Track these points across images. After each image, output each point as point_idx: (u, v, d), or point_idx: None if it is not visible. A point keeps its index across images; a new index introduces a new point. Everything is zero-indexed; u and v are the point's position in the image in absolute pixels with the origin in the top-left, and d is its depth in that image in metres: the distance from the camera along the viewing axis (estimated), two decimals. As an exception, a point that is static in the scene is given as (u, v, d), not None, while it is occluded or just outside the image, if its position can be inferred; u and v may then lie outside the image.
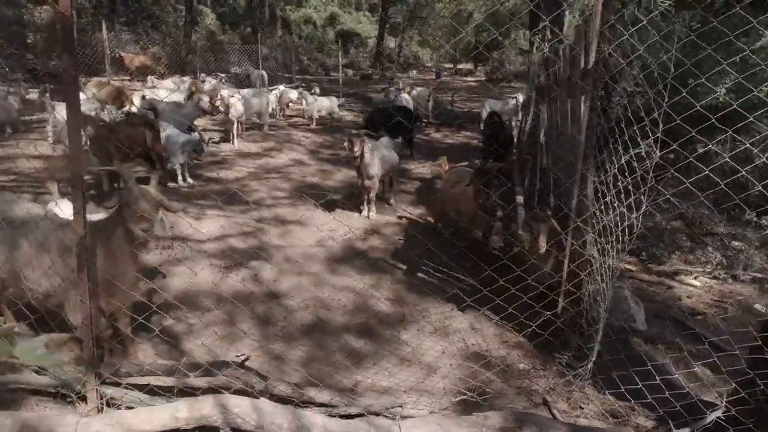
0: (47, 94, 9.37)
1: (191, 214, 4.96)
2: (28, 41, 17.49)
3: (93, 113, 6.15)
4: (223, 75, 12.79)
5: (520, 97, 9.96)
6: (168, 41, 22.43)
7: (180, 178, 5.93)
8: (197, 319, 3.08)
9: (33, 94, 9.99)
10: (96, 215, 3.14)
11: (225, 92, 7.82)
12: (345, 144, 5.09)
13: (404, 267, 4.20)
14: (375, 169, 5.12)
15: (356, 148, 4.88)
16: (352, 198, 5.81)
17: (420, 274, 4.05)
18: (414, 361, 2.89)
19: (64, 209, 3.15)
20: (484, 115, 11.07)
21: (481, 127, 11.40)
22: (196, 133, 6.17)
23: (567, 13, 9.66)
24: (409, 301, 3.64)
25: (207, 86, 8.70)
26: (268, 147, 8.50)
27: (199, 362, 2.22)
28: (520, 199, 5.97)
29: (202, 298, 3.37)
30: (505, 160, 7.79)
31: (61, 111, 6.47)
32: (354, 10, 39.91)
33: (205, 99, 7.15)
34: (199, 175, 6.37)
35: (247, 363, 2.38)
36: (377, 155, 5.17)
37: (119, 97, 8.60)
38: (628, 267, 4.34)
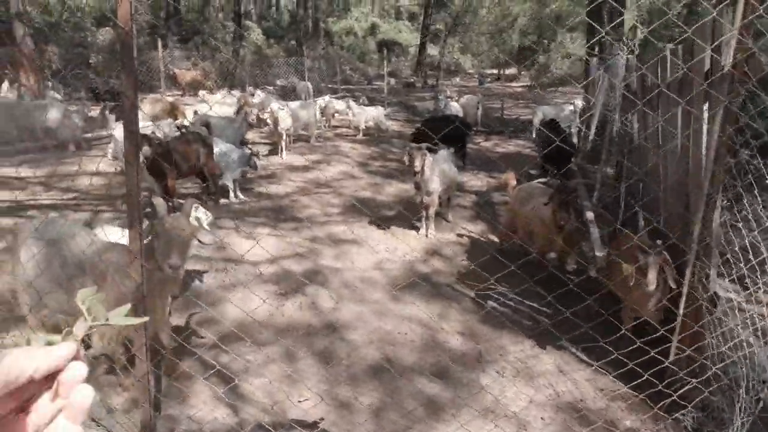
0: (107, 112, 9.74)
1: (243, 233, 4.80)
2: (90, 62, 18.50)
3: (149, 131, 6.20)
4: (271, 88, 12.87)
5: (579, 103, 9.35)
6: (217, 56, 23.23)
7: (232, 194, 5.84)
8: (255, 356, 2.83)
9: (94, 112, 10.37)
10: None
11: (274, 105, 7.76)
12: (404, 158, 4.78)
13: (471, 294, 3.81)
14: (435, 184, 4.78)
15: (417, 163, 4.56)
16: (407, 214, 5.50)
17: (490, 302, 3.65)
18: (499, 413, 2.50)
19: (110, 234, 3.05)
20: (536, 122, 10.51)
21: (534, 135, 10.87)
22: (247, 148, 6.09)
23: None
24: (482, 335, 3.25)
25: (256, 99, 8.70)
26: (316, 160, 8.36)
27: (263, 424, 1.95)
28: (590, 215, 5.45)
29: (259, 330, 3.13)
30: (569, 172, 7.25)
31: (119, 129, 6.58)
32: (394, 20, 40.06)
33: (254, 113, 7.08)
34: (249, 190, 6.27)
35: (311, 408, 2.09)
36: (437, 170, 4.84)
37: (173, 112, 8.76)
38: None
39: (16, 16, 11.54)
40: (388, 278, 4.00)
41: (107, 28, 21.14)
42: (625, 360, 2.26)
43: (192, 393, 2.50)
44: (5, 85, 12.84)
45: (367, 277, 3.98)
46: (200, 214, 3.87)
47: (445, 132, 7.99)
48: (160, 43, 17.10)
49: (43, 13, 19.96)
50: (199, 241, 3.62)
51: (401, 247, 4.64)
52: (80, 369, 0.38)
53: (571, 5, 27.25)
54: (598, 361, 2.94)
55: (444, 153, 5.45)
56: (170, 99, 9.85)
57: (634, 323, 2.93)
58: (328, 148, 9.42)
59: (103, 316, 0.48)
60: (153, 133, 6.10)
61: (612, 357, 2.21)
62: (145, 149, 4.31)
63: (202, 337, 3.05)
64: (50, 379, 0.37)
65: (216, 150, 5.78)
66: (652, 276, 2.55)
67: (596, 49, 8.59)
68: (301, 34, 24.33)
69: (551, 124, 7.89)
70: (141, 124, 6.06)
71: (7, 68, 12.69)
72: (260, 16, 34.19)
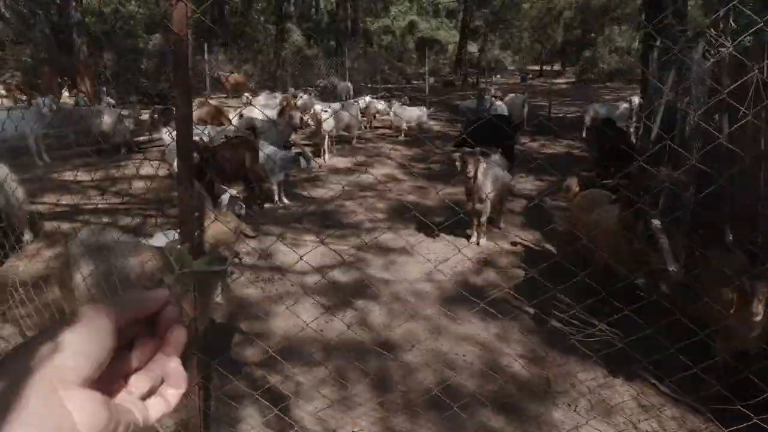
0: (156, 116, 10.03)
1: (288, 240, 4.71)
2: (142, 67, 19.28)
3: (195, 137, 6.26)
4: (312, 89, 12.89)
5: (635, 100, 8.73)
6: (259, 58, 23.68)
7: (277, 197, 5.78)
8: (305, 376, 2.69)
9: (145, 115, 10.69)
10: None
11: (318, 107, 7.68)
12: (457, 162, 4.52)
13: (531, 311, 3.52)
14: (488, 189, 4.50)
15: (470, 167, 4.30)
16: (456, 220, 5.25)
17: (554, 322, 3.36)
18: (575, 456, 2.23)
19: (157, 242, 3.02)
20: (588, 121, 9.94)
21: (584, 135, 10.28)
22: (294, 149, 6.03)
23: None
24: (548, 359, 2.97)
25: (299, 102, 8.64)
26: (358, 162, 8.23)
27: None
28: (656, 223, 4.99)
29: (308, 348, 2.99)
30: (630, 176, 6.74)
31: (167, 133, 6.69)
32: (432, 17, 39.57)
33: (297, 116, 7.01)
34: (293, 194, 6.20)
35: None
36: (490, 175, 4.56)
37: (217, 117, 8.86)
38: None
39: (74, 26, 12.12)
40: (441, 291, 3.77)
41: (157, 34, 22.01)
42: (728, 395, 1.94)
43: (241, 416, 2.37)
44: (65, 91, 13.55)
45: (418, 290, 3.77)
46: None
47: (491, 133, 7.69)
48: (206, 48, 17.59)
49: (98, 21, 20.97)
50: (245, 234, 3.57)
51: (452, 256, 4.39)
52: (174, 311, 0.44)
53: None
54: (682, 392, 2.62)
55: (496, 157, 5.17)
56: (214, 102, 9.97)
57: (730, 355, 2.57)
58: (370, 149, 9.29)
59: (189, 264, 0.55)
60: (200, 138, 6.16)
61: (698, 390, 1.89)
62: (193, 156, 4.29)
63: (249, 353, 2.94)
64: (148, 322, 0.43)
65: (261, 153, 5.76)
66: (759, 305, 2.20)
67: (658, 41, 7.96)
68: (340, 35, 24.39)
69: (607, 124, 7.38)
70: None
71: (65, 76, 13.40)
72: (300, 17, 34.67)
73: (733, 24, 6.44)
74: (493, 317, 3.43)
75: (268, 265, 4.13)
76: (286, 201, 5.82)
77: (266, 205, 5.63)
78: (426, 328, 3.25)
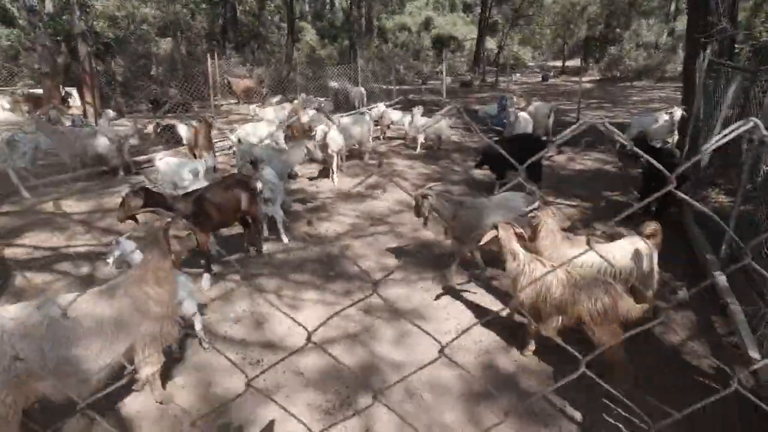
0: (159, 130, 9.53)
1: (286, 297, 4.09)
2: (152, 73, 18.95)
3: (195, 167, 5.71)
4: (323, 100, 12.26)
5: (678, 113, 7.84)
6: (271, 61, 23.17)
7: (282, 233, 5.18)
8: None
9: (150, 127, 10.19)
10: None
11: (320, 130, 7.03)
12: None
13: (580, 416, 2.82)
14: (459, 229, 3.84)
15: (424, 212, 4.05)
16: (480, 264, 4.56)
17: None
18: None
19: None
20: (633, 133, 9.08)
21: (617, 147, 9.40)
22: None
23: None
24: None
25: (305, 119, 8.01)
26: (370, 184, 7.57)
27: None
28: (723, 281, 4.16)
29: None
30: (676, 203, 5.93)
31: (163, 162, 6.14)
32: (449, 12, 38.47)
33: (318, 154, 6.35)
34: (296, 230, 5.58)
35: None
36: (448, 208, 4.02)
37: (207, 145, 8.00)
38: None
39: (79, 37, 11.72)
40: (463, 382, 3.10)
41: (168, 38, 21.68)
42: None
43: None
44: (72, 101, 13.23)
45: (436, 380, 3.11)
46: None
47: (515, 154, 6.95)
48: (216, 53, 17.11)
49: (111, 26, 20.70)
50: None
51: (474, 324, 3.71)
52: None
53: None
54: None
55: (508, 195, 4.40)
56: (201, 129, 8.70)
57: None
58: (384, 167, 8.62)
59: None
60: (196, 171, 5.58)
61: None
62: (165, 221, 3.70)
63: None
64: None
65: (258, 183, 5.18)
66: None
67: (707, 49, 7.06)
68: (354, 34, 23.68)
69: (641, 143, 6.49)
70: (177, 160, 5.50)
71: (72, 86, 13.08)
72: (315, 15, 34.06)
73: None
74: (532, 422, 2.75)
75: (259, 340, 3.51)
76: (286, 240, 5.21)
77: (265, 249, 5.02)
78: (446, 447, 2.59)
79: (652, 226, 3.48)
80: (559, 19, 26.20)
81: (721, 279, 4.11)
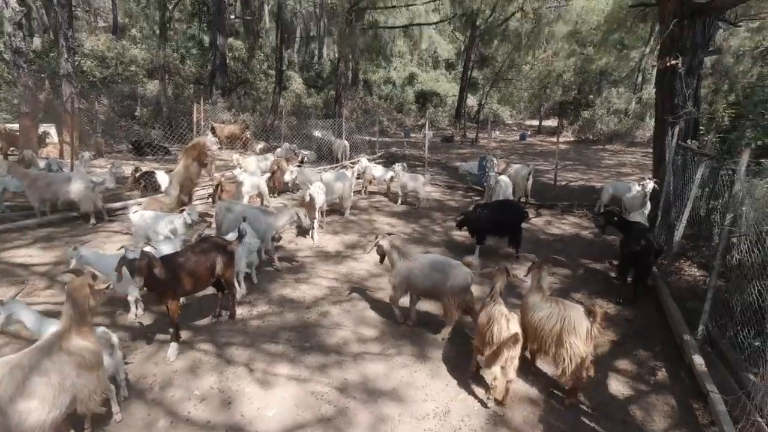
0: (137, 175, 9.32)
1: (257, 372, 3.86)
2: (136, 114, 18.93)
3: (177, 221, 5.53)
4: (307, 153, 12.37)
5: (649, 185, 8.14)
6: (258, 107, 23.53)
7: (242, 284, 5.11)
8: None
9: (128, 169, 9.98)
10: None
11: (306, 192, 7.06)
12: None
13: None
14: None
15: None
16: (457, 336, 4.45)
17: None
18: None
19: None
20: (605, 199, 9.38)
21: (595, 212, 9.64)
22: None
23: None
24: None
25: (287, 177, 8.01)
26: (350, 242, 7.50)
27: None
28: (701, 364, 4.15)
29: None
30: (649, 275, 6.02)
31: (138, 215, 5.95)
32: (432, 69, 40.36)
33: (307, 221, 6.30)
34: (270, 292, 5.40)
35: None
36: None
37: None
38: None
39: (64, 78, 11.70)
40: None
41: (156, 81, 21.88)
42: None
43: None
44: (49, 139, 12.96)
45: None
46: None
47: (497, 219, 7.03)
48: (203, 98, 17.28)
49: (99, 65, 20.80)
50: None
51: (455, 406, 3.56)
52: None
53: (617, 61, 26.34)
54: None
55: (451, 263, 4.57)
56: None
57: None
58: (364, 224, 8.59)
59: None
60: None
61: None
62: (137, 280, 3.54)
63: None
64: None
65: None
66: None
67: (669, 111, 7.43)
68: (340, 86, 24.45)
69: (610, 215, 6.58)
70: (152, 214, 5.34)
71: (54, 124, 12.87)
72: (303, 65, 35.15)
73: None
74: None
75: (225, 422, 3.26)
76: (243, 290, 5.10)
77: (239, 314, 4.81)
78: None
79: (596, 308, 3.51)
80: (536, 84, 27.72)
81: (699, 362, 4.10)
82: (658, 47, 8.48)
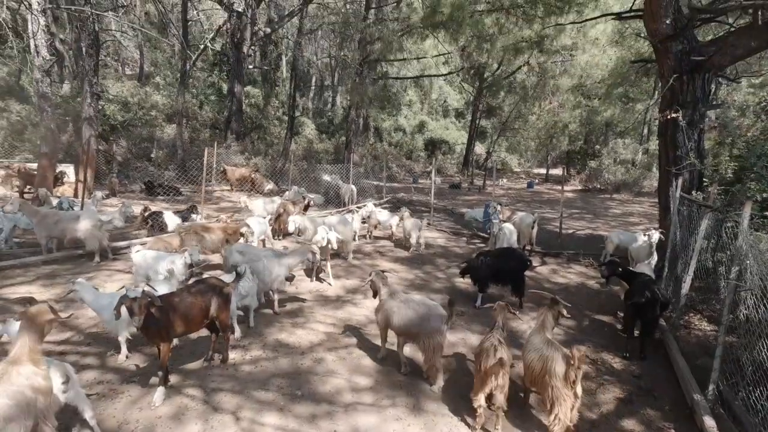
0: (146, 214, 9.46)
1: (243, 421, 3.72)
2: (152, 156, 19.56)
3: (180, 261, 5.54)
4: (314, 197, 12.55)
5: (655, 236, 8.02)
6: (270, 152, 24.20)
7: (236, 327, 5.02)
8: None
9: (137, 209, 10.13)
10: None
11: (321, 231, 7.21)
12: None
13: None
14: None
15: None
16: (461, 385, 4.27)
17: None
18: None
19: None
20: (610, 250, 9.24)
21: (601, 263, 9.44)
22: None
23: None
24: None
25: (291, 227, 8.10)
26: (351, 287, 7.43)
27: None
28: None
29: None
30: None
31: (140, 255, 5.99)
32: (441, 117, 41.49)
33: (319, 260, 6.44)
34: (266, 336, 5.30)
35: None
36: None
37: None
38: None
39: (86, 121, 12.24)
40: None
41: (174, 125, 22.76)
42: None
43: None
44: (66, 178, 13.37)
45: None
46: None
47: (499, 267, 6.94)
48: (217, 142, 17.86)
49: (122, 110, 21.73)
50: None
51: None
52: None
53: (623, 113, 26.82)
54: None
55: (438, 311, 4.51)
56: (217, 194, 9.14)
57: None
58: (366, 269, 8.53)
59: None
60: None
61: None
62: (136, 320, 3.52)
63: None
64: None
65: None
66: None
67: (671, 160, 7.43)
68: (351, 132, 25.14)
69: (614, 266, 6.49)
70: (153, 253, 5.37)
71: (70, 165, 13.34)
72: (316, 112, 36.41)
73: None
74: None
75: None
76: (238, 333, 5.00)
77: (231, 358, 4.71)
78: None
79: (573, 350, 3.45)
80: (543, 133, 28.24)
81: (710, 425, 3.86)
82: (660, 100, 8.66)
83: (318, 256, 6.26)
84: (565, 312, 4.17)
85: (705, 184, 7.68)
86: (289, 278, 5.98)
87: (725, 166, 7.46)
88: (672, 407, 4.44)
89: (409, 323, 4.46)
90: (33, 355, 2.85)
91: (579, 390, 3.45)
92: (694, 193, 7.11)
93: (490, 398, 3.67)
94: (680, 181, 7.18)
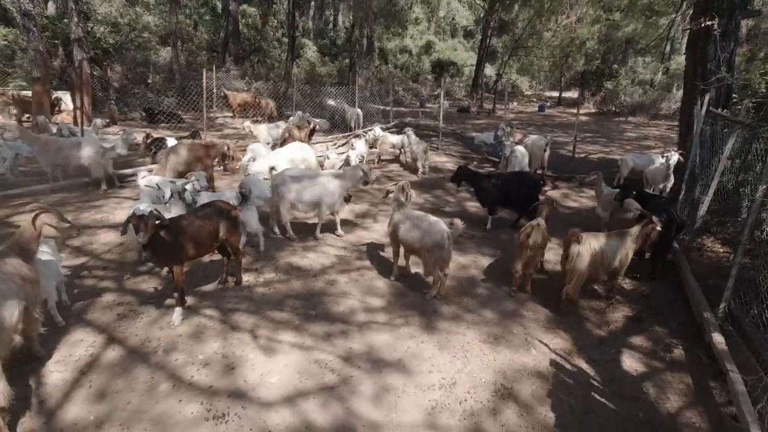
0: (148, 141, 9.24)
1: (261, 339, 3.83)
2: (149, 81, 18.79)
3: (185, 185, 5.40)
4: (320, 122, 12.15)
5: (674, 157, 7.75)
6: (271, 76, 23.16)
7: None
8: None
9: (140, 136, 9.87)
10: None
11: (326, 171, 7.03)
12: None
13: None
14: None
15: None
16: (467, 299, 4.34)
17: None
18: None
19: None
20: (625, 172, 9.00)
21: (616, 185, 9.25)
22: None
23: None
24: None
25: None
26: (361, 211, 7.39)
27: None
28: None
29: None
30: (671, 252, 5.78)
31: (145, 179, 5.88)
32: (450, 37, 39.05)
33: (372, 176, 6.35)
34: (277, 260, 5.34)
35: None
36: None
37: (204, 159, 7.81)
38: None
39: (75, 43, 11.56)
40: (445, 450, 2.85)
41: (168, 47, 21.59)
42: None
43: None
44: (63, 105, 12.96)
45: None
46: None
47: (512, 191, 6.80)
48: (215, 66, 17.02)
49: (112, 32, 20.53)
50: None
51: (462, 378, 3.49)
52: None
53: (645, 28, 24.91)
54: None
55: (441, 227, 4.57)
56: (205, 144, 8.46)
57: None
58: (376, 193, 8.44)
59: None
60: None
61: None
62: (141, 235, 3.48)
63: None
64: None
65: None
66: None
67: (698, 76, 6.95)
68: (355, 54, 23.77)
69: (628, 190, 6.29)
70: (159, 178, 5.27)
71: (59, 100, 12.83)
72: (317, 33, 34.31)
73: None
74: None
75: (227, 387, 3.25)
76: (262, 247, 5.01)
77: (245, 280, 4.77)
78: None
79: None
80: (558, 52, 26.58)
81: (719, 341, 3.93)
82: (692, 8, 7.90)
83: (371, 173, 6.23)
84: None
85: (734, 101, 7.23)
86: (347, 198, 6.08)
87: (757, 81, 6.95)
88: (680, 325, 4.51)
89: (414, 239, 4.61)
90: (24, 255, 3.30)
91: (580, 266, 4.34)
92: (721, 110, 6.71)
93: (526, 266, 4.69)
94: (707, 97, 6.75)
